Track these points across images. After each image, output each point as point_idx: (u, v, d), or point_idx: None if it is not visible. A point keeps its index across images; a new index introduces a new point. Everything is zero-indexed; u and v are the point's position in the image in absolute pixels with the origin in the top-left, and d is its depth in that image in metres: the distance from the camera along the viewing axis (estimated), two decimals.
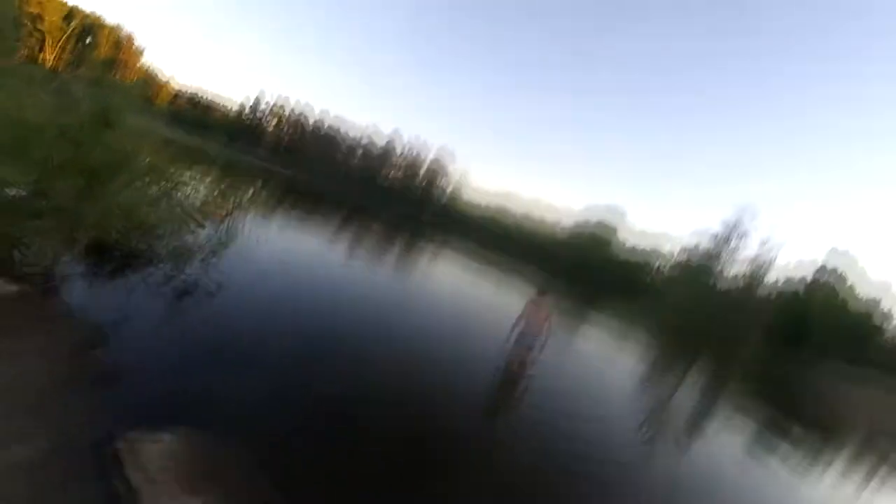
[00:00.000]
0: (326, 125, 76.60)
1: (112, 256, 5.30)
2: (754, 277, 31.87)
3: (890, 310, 33.78)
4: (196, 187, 10.60)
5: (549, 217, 63.94)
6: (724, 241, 33.39)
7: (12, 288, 3.37)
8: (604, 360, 10.28)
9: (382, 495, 2.99)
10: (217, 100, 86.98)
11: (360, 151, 75.58)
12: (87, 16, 56.04)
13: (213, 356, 3.98)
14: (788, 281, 34.86)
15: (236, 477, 2.48)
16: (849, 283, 34.91)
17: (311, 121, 76.26)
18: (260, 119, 73.35)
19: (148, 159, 5.83)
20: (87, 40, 55.84)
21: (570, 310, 20.36)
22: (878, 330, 32.24)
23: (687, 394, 9.89)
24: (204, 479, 2.34)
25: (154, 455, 2.33)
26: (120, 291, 4.63)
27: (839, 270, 35.89)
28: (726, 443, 7.13)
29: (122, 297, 4.52)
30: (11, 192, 4.13)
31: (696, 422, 7.78)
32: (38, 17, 45.56)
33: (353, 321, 6.44)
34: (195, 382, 3.44)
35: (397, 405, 4.33)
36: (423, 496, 3.15)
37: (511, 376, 6.53)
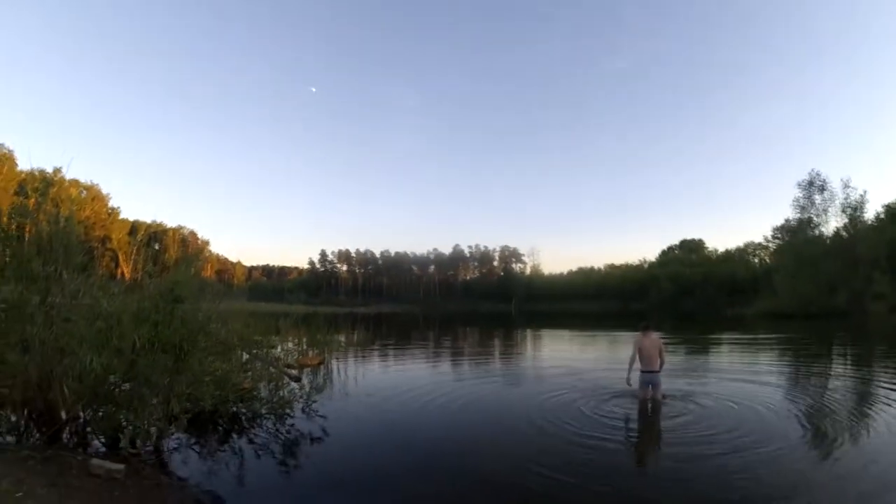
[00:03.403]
0: (394, 253, 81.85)
1: (215, 425, 5.31)
2: (854, 219, 27.12)
3: None
4: (286, 346, 11.39)
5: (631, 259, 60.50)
6: (809, 202, 29.35)
7: (118, 467, 3.30)
8: (741, 374, 9.32)
9: None
10: (287, 263, 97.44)
11: (431, 267, 79.14)
12: (149, 225, 62.70)
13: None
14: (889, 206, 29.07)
15: None
16: None
17: (377, 254, 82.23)
18: (331, 268, 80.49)
19: (229, 329, 6.29)
20: (156, 246, 63.38)
21: (685, 336, 18.16)
22: None
23: (841, 376, 9.05)
24: None
25: None
26: (227, 455, 4.53)
27: None
28: None
29: (230, 459, 4.43)
30: (110, 380, 4.50)
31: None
32: (106, 239, 52.32)
33: (470, 431, 5.89)
34: None
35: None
36: None
37: (648, 418, 6.14)
